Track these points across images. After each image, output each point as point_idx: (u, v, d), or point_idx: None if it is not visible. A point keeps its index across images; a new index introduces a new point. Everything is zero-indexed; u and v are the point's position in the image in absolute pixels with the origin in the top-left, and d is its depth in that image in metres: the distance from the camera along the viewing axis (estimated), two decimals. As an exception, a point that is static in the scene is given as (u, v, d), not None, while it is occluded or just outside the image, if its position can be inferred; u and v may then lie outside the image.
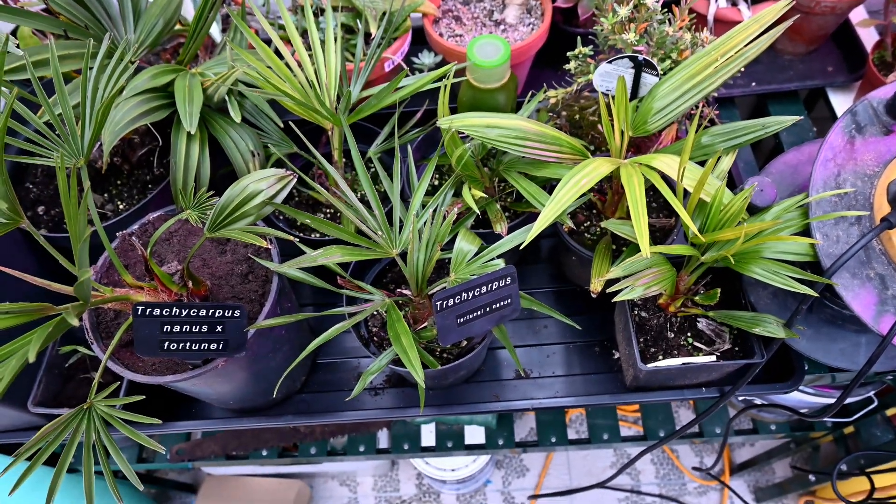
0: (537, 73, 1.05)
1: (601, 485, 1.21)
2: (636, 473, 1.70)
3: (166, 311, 0.56)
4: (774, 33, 0.64)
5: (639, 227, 0.56)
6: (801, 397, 1.12)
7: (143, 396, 0.56)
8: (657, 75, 0.68)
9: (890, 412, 1.11)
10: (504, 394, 0.84)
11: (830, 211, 0.62)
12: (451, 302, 0.60)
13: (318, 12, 0.92)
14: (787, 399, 1.13)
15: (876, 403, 1.04)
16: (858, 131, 0.64)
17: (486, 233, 0.75)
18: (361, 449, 1.25)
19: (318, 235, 0.81)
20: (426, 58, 0.94)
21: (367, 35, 0.93)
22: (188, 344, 0.58)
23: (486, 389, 0.85)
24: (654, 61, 0.72)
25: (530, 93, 0.81)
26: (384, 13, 0.87)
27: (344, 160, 0.92)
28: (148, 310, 0.56)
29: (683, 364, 0.68)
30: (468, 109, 0.87)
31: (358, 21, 0.90)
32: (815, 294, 0.60)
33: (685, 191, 0.62)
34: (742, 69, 0.73)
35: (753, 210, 0.65)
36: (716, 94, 0.85)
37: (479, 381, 0.86)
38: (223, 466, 1.50)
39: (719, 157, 0.68)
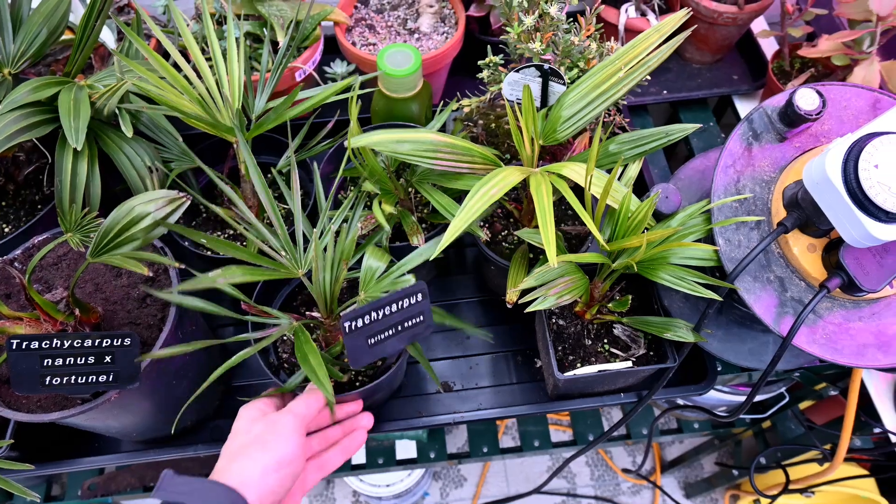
0: (455, 81, 1.04)
1: (536, 490, 1.21)
2: (572, 476, 1.72)
3: (46, 343, 0.52)
4: (675, 42, 0.66)
5: (546, 235, 0.56)
6: (720, 396, 1.15)
7: (12, 441, 0.51)
8: (564, 84, 0.69)
9: (802, 406, 1.17)
10: (428, 408, 0.83)
11: (731, 216, 0.64)
12: (359, 322, 0.58)
13: (222, 20, 0.89)
14: (707, 398, 1.16)
15: (787, 399, 1.08)
16: (755, 138, 0.66)
17: (405, 245, 0.74)
18: (289, 471, 1.20)
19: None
20: (339, 67, 0.91)
21: (275, 44, 0.90)
22: (73, 377, 0.53)
23: (410, 405, 0.83)
24: (562, 70, 0.73)
25: (444, 101, 0.80)
26: (292, 21, 0.84)
27: (273, 169, 0.89)
28: (24, 343, 0.51)
29: (599, 371, 0.68)
30: (382, 119, 0.85)
31: (265, 30, 0.87)
32: (720, 298, 0.61)
33: (595, 198, 0.62)
34: (649, 77, 0.74)
35: (661, 217, 0.66)
36: (625, 102, 0.86)
37: (402, 397, 0.84)
38: (143, 499, 1.42)
39: (626, 166, 0.69)
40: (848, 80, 0.85)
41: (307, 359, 0.56)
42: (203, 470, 1.17)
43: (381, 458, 1.21)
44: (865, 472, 1.25)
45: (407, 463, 1.22)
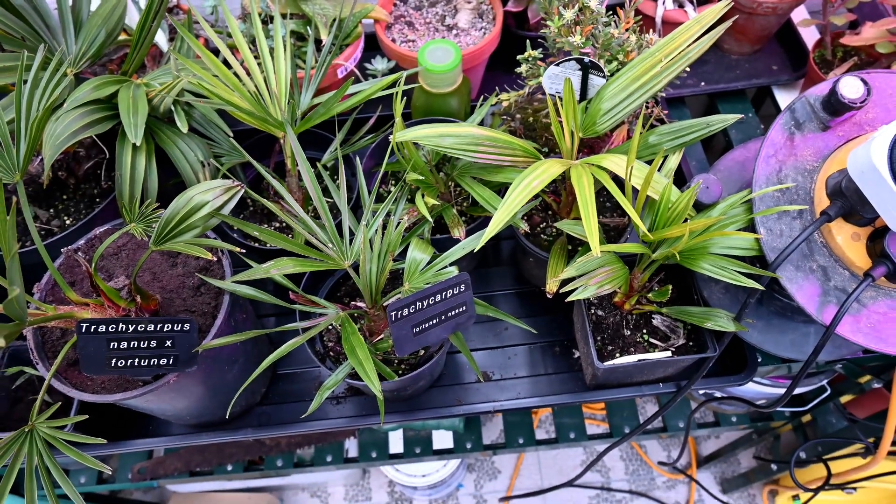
0: (491, 76, 1.05)
1: (570, 483, 1.22)
2: (606, 470, 1.72)
3: (112, 328, 0.55)
4: (715, 34, 0.66)
5: (588, 226, 0.57)
6: (760, 389, 1.15)
7: (86, 416, 0.54)
8: (604, 77, 0.69)
9: (844, 399, 1.15)
10: (466, 397, 0.84)
11: (773, 206, 0.64)
12: (405, 312, 0.60)
13: (268, 20, 0.91)
14: (745, 391, 1.16)
15: (829, 392, 1.07)
16: (797, 128, 0.66)
17: (445, 238, 0.75)
18: (329, 459, 1.23)
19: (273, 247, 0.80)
20: (379, 64, 0.93)
21: (319, 42, 0.92)
22: (136, 360, 0.56)
23: (449, 394, 0.85)
24: (601, 63, 0.74)
25: (482, 97, 0.82)
26: (335, 20, 0.87)
27: (318, 163, 0.91)
28: (92, 326, 0.54)
29: (639, 360, 0.69)
30: (422, 114, 0.87)
31: (308, 28, 0.89)
32: (761, 287, 0.61)
33: (634, 189, 0.63)
34: (688, 69, 0.74)
35: (701, 207, 0.66)
36: (663, 95, 0.86)
37: (441, 386, 0.86)
38: (189, 483, 1.47)
39: (666, 157, 0.69)
40: (894, 68, 0.84)
41: (355, 351, 0.58)
42: (247, 455, 1.21)
43: (418, 447, 1.23)
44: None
45: (444, 453, 1.24)
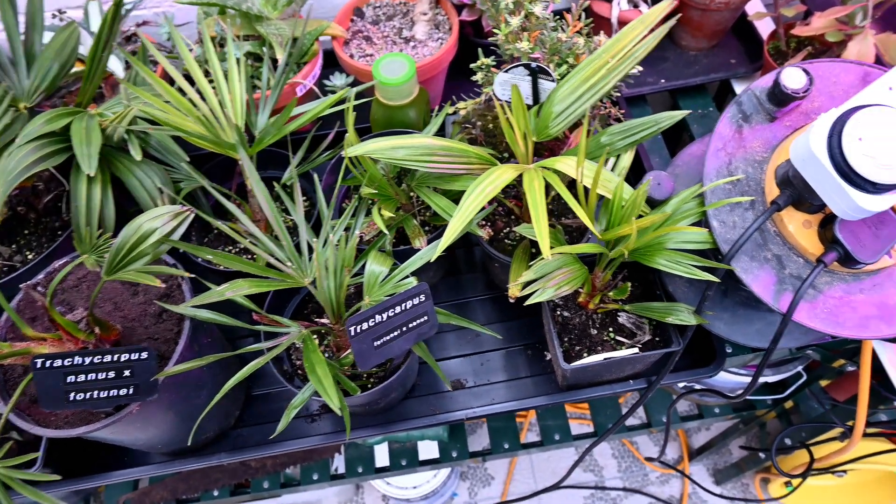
0: (454, 85, 1.06)
1: (557, 486, 1.22)
2: (599, 469, 1.72)
3: (68, 361, 0.54)
4: (659, 33, 0.67)
5: (539, 229, 0.57)
6: (738, 379, 1.15)
7: (38, 453, 0.54)
8: (553, 80, 0.70)
9: (824, 383, 1.16)
10: (443, 406, 0.84)
11: (725, 198, 0.65)
12: (365, 326, 0.60)
13: (224, 42, 0.92)
14: (725, 381, 1.16)
15: (805, 378, 1.08)
16: (745, 120, 0.66)
17: (408, 248, 0.75)
18: (315, 477, 1.23)
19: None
20: (338, 79, 0.94)
21: (276, 62, 0.92)
22: (95, 392, 0.56)
23: (425, 404, 0.85)
24: (550, 67, 0.74)
25: (437, 106, 0.82)
26: (290, 39, 0.87)
27: (275, 183, 0.91)
28: (48, 361, 0.54)
29: (605, 359, 0.69)
30: (381, 127, 0.87)
31: (264, 49, 0.89)
32: (717, 280, 0.62)
33: (591, 190, 0.63)
34: (640, 68, 0.75)
35: (655, 203, 0.67)
36: (618, 94, 0.87)
37: (417, 396, 0.85)
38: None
39: (619, 156, 0.70)
40: (843, 56, 0.85)
41: (314, 369, 0.58)
42: (233, 479, 1.21)
43: (404, 459, 1.23)
44: (896, 447, 1.23)
45: (430, 463, 1.24)
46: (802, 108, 0.66)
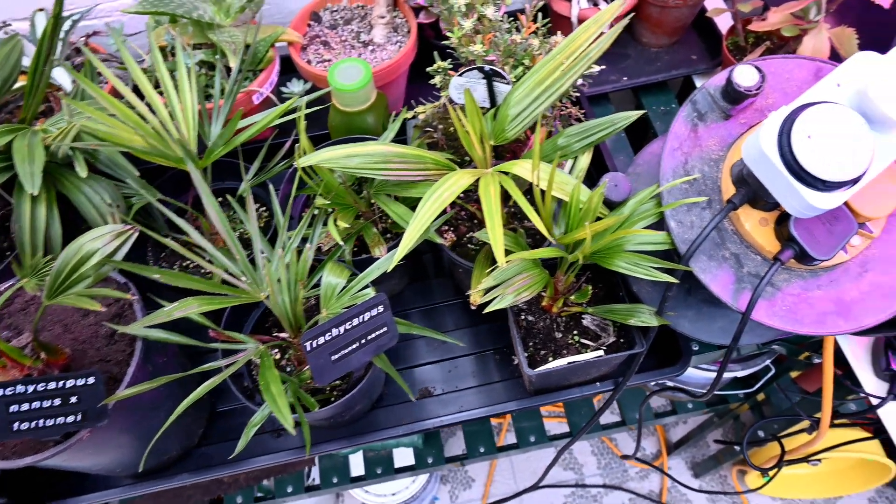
0: (416, 88, 1.05)
1: (535, 486, 1.22)
2: (579, 467, 1.72)
3: (10, 390, 0.52)
4: (613, 33, 0.66)
5: (493, 236, 0.57)
6: (708, 375, 1.16)
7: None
8: (508, 83, 0.69)
9: (794, 374, 1.16)
10: (412, 415, 0.83)
11: (682, 198, 0.64)
12: (321, 340, 0.59)
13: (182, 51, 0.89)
14: (696, 377, 1.16)
15: (774, 371, 1.08)
16: (700, 118, 0.66)
17: (368, 257, 0.74)
18: (290, 490, 1.21)
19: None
20: (295, 86, 0.92)
21: (230, 70, 0.90)
22: (41, 421, 0.54)
23: (394, 413, 0.84)
24: (506, 69, 0.73)
25: (393, 113, 0.81)
26: (244, 46, 0.85)
27: (219, 199, 0.89)
28: (-12, 391, 0.52)
29: (569, 363, 0.68)
30: (340, 134, 0.86)
31: (218, 57, 0.87)
32: (675, 280, 0.61)
33: (546, 193, 0.63)
34: (596, 67, 0.75)
35: (613, 205, 0.66)
36: (577, 94, 0.87)
37: (385, 406, 0.84)
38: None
39: (577, 158, 0.69)
40: (799, 51, 0.85)
41: (269, 387, 0.56)
42: (206, 496, 1.18)
43: (379, 467, 1.21)
44: (868, 434, 1.25)
45: (406, 470, 1.23)
46: (756, 104, 0.66)
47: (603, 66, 1.08)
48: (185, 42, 0.86)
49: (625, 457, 1.16)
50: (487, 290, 0.66)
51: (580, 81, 0.80)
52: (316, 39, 0.97)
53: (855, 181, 0.52)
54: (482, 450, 1.20)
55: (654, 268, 0.61)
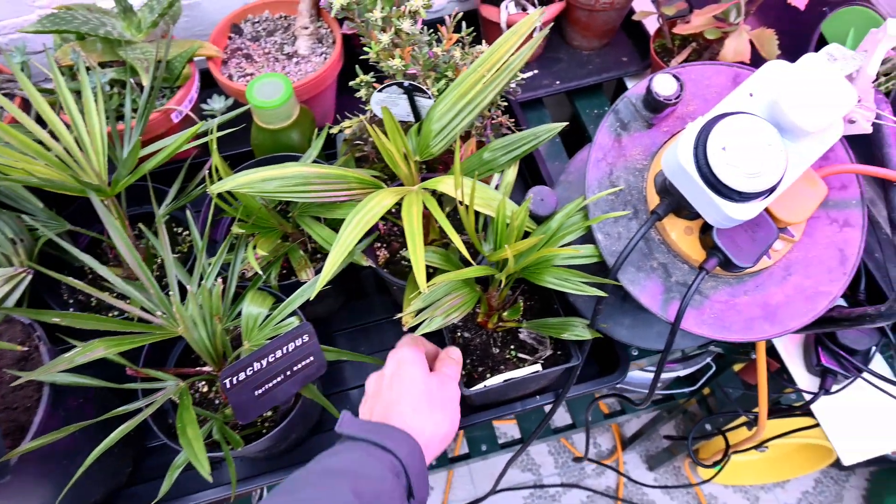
0: (346, 100, 1.02)
1: (493, 492, 1.21)
2: (537, 468, 1.73)
3: None
4: (534, 43, 0.65)
5: (415, 258, 0.55)
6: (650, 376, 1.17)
7: None
8: (430, 97, 0.67)
9: (737, 368, 1.18)
10: (353, 439, 0.81)
11: (608, 210, 0.64)
12: (241, 376, 0.56)
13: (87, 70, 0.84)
14: (640, 379, 1.17)
15: (715, 368, 1.10)
16: (623, 128, 0.66)
17: (296, 282, 0.71)
18: (237, 516, 1.17)
19: (116, 313, 0.74)
20: (216, 103, 0.88)
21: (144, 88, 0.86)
22: (-68, 484, 0.50)
23: (333, 439, 0.80)
24: (428, 83, 0.72)
25: (315, 130, 0.78)
26: (157, 62, 0.81)
27: (140, 224, 0.85)
28: None
29: (505, 381, 0.67)
30: (264, 152, 0.83)
31: (130, 76, 0.83)
32: (604, 294, 0.61)
33: (468, 210, 0.61)
34: (521, 75, 0.74)
35: (540, 219, 0.65)
36: (505, 102, 0.85)
37: (325, 432, 0.82)
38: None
39: (504, 171, 0.68)
40: (721, 53, 0.86)
41: (185, 430, 0.53)
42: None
43: (331, 487, 1.19)
44: (812, 422, 1.28)
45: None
46: (678, 112, 0.66)
47: (535, 71, 1.08)
48: (93, 61, 0.81)
49: (577, 459, 1.16)
50: (418, 312, 0.64)
51: (513, 86, 0.79)
52: (238, 52, 0.93)
53: (771, 191, 0.52)
54: (434, 462, 1.18)
55: (583, 282, 0.61)
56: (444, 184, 0.64)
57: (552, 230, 0.63)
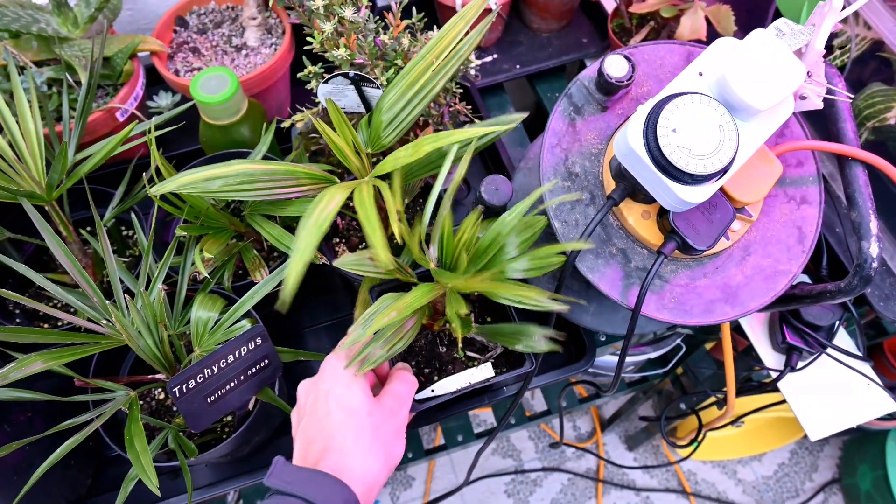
0: (301, 91, 0.99)
1: (469, 482, 1.20)
2: (517, 454, 1.73)
3: None
4: (482, 28, 0.63)
5: (374, 240, 0.51)
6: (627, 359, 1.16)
7: None
8: (378, 87, 0.65)
9: (709, 346, 1.19)
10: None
11: (566, 196, 0.62)
12: (191, 384, 0.54)
13: (20, 70, 0.81)
14: (610, 362, 1.17)
15: (685, 349, 1.10)
16: (577, 112, 0.64)
17: (249, 283, 0.69)
18: (211, 520, 1.15)
19: (65, 322, 0.72)
20: (163, 99, 0.85)
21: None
22: None
23: (299, 439, 0.79)
24: (376, 72, 0.70)
25: (276, 120, 0.76)
26: (94, 60, 0.78)
27: (87, 229, 0.82)
28: None
29: (456, 391, 0.63)
30: (214, 148, 0.80)
31: (67, 75, 0.80)
32: (565, 306, 0.59)
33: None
34: (473, 61, 0.72)
35: (495, 210, 0.64)
36: (459, 89, 0.83)
37: (290, 434, 0.80)
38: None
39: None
40: (678, 31, 0.85)
41: (133, 443, 0.51)
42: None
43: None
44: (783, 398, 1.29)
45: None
46: (632, 94, 0.64)
47: (494, 56, 1.06)
48: (28, 59, 0.78)
49: (553, 445, 1.15)
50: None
51: (473, 72, 0.77)
52: (184, 46, 0.90)
53: (724, 171, 0.51)
54: (410, 455, 1.17)
55: (541, 297, 0.56)
56: (391, 163, 0.60)
57: (504, 236, 0.59)
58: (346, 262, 0.56)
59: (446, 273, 0.55)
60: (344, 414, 0.50)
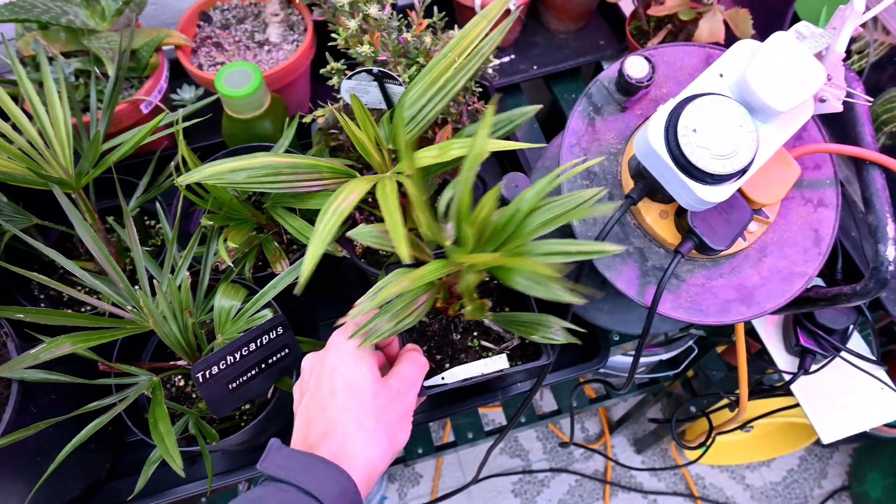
0: (321, 88, 1.00)
1: (477, 480, 1.21)
2: (525, 454, 1.73)
3: None
4: (504, 27, 0.64)
5: (395, 234, 0.52)
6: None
7: None
8: (400, 84, 0.66)
9: (721, 349, 1.19)
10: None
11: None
12: (214, 370, 0.55)
13: (51, 61, 0.83)
14: (622, 363, 1.17)
15: (697, 351, 1.10)
16: (597, 112, 0.65)
17: (271, 274, 0.70)
18: (223, 509, 1.17)
19: (88, 308, 0.73)
20: (186, 92, 0.87)
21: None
22: None
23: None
24: (398, 69, 0.71)
25: (299, 115, 0.77)
26: (122, 53, 0.79)
27: (112, 218, 0.84)
28: None
29: (465, 380, 0.64)
30: (237, 142, 0.82)
31: (95, 67, 0.81)
32: (582, 301, 0.59)
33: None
34: (495, 60, 0.73)
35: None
36: (479, 88, 0.84)
37: (305, 423, 0.81)
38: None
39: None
40: (696, 34, 0.85)
41: (157, 426, 0.53)
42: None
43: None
44: (794, 402, 1.29)
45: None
46: (651, 95, 0.65)
47: (512, 56, 1.07)
48: (57, 51, 0.79)
49: (562, 444, 1.16)
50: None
51: (490, 71, 0.78)
52: (207, 41, 0.91)
53: (742, 172, 0.52)
54: (420, 451, 1.18)
55: (558, 288, 0.57)
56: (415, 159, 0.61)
57: (523, 212, 0.60)
58: (361, 233, 0.57)
59: (461, 250, 0.55)
60: (348, 394, 0.48)
